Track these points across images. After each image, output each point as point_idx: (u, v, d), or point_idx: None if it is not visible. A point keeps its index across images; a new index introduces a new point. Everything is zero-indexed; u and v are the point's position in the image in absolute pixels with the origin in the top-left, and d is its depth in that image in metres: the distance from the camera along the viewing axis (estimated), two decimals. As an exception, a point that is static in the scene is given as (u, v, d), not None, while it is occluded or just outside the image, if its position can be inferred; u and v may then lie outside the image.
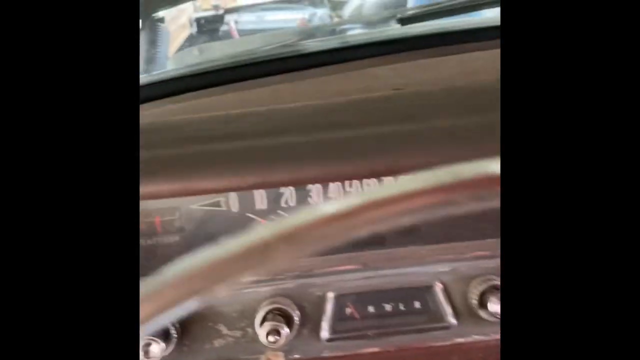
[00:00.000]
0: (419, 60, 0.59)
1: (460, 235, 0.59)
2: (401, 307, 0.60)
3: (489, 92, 0.46)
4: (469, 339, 0.59)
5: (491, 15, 0.74)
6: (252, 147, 0.45)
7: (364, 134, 0.43)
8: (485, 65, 0.56)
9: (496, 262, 0.59)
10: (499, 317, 0.57)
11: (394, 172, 0.44)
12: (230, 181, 0.47)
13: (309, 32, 0.76)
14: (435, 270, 0.59)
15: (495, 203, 0.26)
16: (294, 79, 0.59)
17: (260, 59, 0.66)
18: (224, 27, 3.20)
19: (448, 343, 0.59)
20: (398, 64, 0.59)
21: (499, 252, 0.59)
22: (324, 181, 0.49)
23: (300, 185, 0.52)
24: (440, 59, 0.59)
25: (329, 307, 0.59)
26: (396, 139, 0.43)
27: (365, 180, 0.54)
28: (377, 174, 0.47)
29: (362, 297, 0.60)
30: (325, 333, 0.59)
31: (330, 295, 0.59)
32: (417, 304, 0.60)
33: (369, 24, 1.01)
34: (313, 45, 0.70)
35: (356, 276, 0.59)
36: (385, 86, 0.50)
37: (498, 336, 0.59)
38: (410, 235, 0.59)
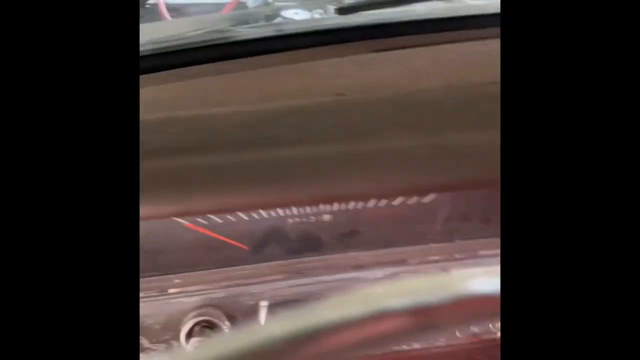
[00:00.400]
0: (360, 56, 0.55)
1: (400, 241, 0.56)
2: (339, 315, 0.56)
3: (436, 105, 0.43)
4: (411, 349, 0.57)
5: (436, 7, 0.71)
6: (168, 168, 0.39)
7: (301, 154, 0.39)
8: (429, 65, 0.53)
9: (438, 267, 0.56)
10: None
11: (334, 199, 0.39)
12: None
13: (243, 18, 0.70)
14: (374, 276, 0.56)
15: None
16: (224, 71, 0.54)
17: (186, 46, 0.61)
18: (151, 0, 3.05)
19: (391, 354, 0.56)
20: (339, 58, 0.55)
21: (440, 257, 0.57)
22: (253, 209, 0.44)
23: (224, 213, 0.47)
24: (382, 54, 0.55)
25: (262, 317, 0.55)
26: (338, 161, 0.38)
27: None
28: (315, 202, 0.43)
29: (297, 306, 0.56)
30: (257, 345, 0.55)
31: (263, 304, 0.55)
32: (356, 312, 0.56)
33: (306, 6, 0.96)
34: (246, 32, 0.64)
35: (291, 284, 0.55)
36: (327, 87, 0.45)
37: (438, 346, 0.57)
38: (348, 240, 0.56)
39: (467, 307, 0.23)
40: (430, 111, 0.41)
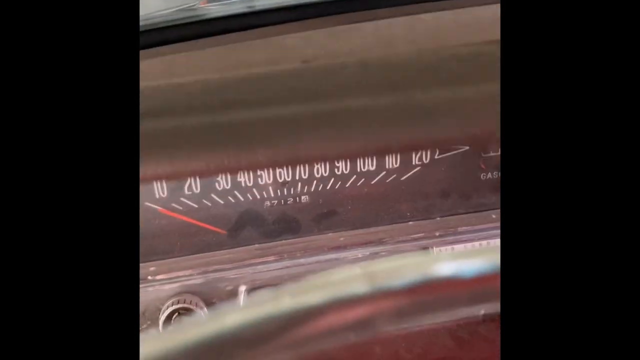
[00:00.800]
0: (331, 28, 0.53)
1: (379, 220, 0.56)
2: (320, 297, 0.56)
3: (406, 67, 0.42)
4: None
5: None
6: None
7: (263, 116, 0.37)
8: (402, 34, 0.51)
9: (418, 245, 0.56)
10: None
11: (300, 159, 0.38)
12: None
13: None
14: (354, 256, 0.56)
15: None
16: (192, 48, 0.52)
17: (155, 25, 0.58)
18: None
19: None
20: (309, 31, 0.53)
21: (420, 235, 0.56)
22: (211, 173, 0.43)
23: (184, 177, 0.46)
24: (353, 26, 0.53)
25: (241, 302, 0.54)
26: (303, 119, 0.37)
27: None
28: (279, 163, 0.42)
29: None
30: (237, 330, 0.54)
31: (242, 289, 0.54)
32: (336, 293, 0.56)
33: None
34: (216, 9, 0.62)
35: (270, 267, 0.54)
36: (293, 58, 0.44)
37: (419, 323, 0.57)
38: (326, 221, 0.55)
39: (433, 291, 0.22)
40: (399, 71, 0.40)
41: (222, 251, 0.54)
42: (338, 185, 0.55)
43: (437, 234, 0.55)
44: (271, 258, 0.54)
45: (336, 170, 0.55)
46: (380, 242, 0.55)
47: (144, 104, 0.36)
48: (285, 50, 0.47)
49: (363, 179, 0.56)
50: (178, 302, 0.52)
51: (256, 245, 0.54)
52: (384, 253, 0.55)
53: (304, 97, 0.38)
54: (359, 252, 0.55)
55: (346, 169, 0.55)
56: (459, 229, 0.55)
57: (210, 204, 0.54)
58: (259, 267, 0.54)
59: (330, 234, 0.55)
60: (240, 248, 0.54)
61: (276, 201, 0.55)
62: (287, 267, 0.54)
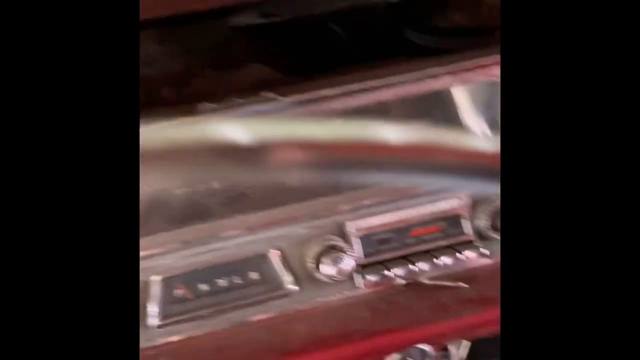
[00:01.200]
0: None
1: (290, 198, 0.55)
2: (237, 280, 0.56)
3: None
4: (312, 304, 0.56)
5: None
6: None
7: None
8: None
9: (329, 222, 0.56)
10: (335, 279, 0.54)
11: None
12: None
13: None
14: (268, 236, 0.55)
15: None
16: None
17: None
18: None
19: (290, 312, 0.56)
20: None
21: (329, 212, 0.56)
22: None
23: None
24: None
25: (155, 291, 0.54)
26: None
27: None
28: None
29: (192, 276, 0.55)
30: (154, 320, 0.53)
31: (156, 278, 0.54)
32: (253, 275, 0.56)
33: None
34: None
35: (182, 254, 0.54)
36: None
37: (339, 298, 0.56)
38: (235, 204, 0.55)
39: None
40: None
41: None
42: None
43: (345, 208, 0.55)
44: (180, 245, 0.54)
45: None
46: (292, 220, 0.55)
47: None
48: None
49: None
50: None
51: (162, 234, 0.53)
52: (297, 231, 0.55)
53: None
54: (272, 232, 0.55)
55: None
56: (364, 202, 0.56)
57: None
58: (171, 255, 0.54)
59: (240, 217, 0.55)
60: (147, 237, 0.53)
61: (187, 189, 0.55)
62: (200, 253, 0.54)
